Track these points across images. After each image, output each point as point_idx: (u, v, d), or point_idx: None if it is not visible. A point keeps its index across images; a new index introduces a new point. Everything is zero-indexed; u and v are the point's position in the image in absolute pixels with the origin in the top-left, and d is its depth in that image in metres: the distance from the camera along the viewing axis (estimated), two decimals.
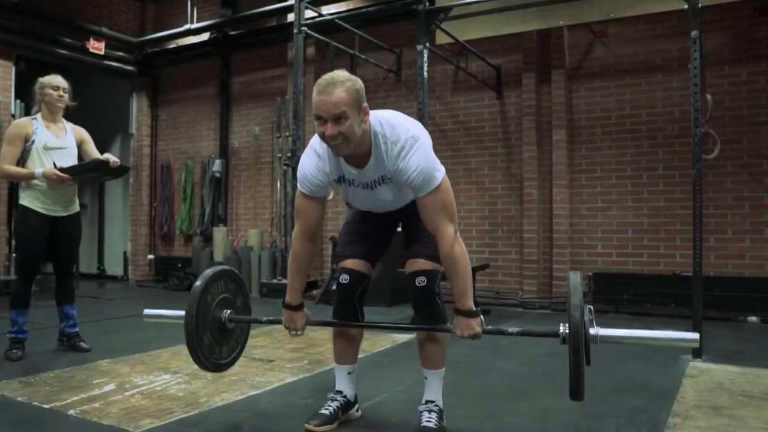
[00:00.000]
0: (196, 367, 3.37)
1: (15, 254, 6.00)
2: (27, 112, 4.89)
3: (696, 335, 2.03)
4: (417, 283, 2.25)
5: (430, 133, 2.35)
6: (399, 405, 2.70)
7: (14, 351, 3.56)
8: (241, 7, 7.87)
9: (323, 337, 4.29)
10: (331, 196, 6.45)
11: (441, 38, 5.69)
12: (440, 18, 5.02)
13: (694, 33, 3.74)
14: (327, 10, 6.51)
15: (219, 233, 7.70)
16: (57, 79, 3.65)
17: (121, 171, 3.76)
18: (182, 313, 2.32)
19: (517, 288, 6.16)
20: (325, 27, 5.85)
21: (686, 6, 3.84)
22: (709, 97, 5.02)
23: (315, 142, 2.20)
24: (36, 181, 3.52)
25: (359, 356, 2.54)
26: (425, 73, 4.70)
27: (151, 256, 8.67)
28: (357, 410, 2.52)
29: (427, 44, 4.78)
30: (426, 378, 2.35)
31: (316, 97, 2.00)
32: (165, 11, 8.80)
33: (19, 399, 2.76)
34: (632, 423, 2.47)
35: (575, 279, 2.02)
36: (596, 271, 5.79)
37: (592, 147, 5.98)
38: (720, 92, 5.33)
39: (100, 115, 8.32)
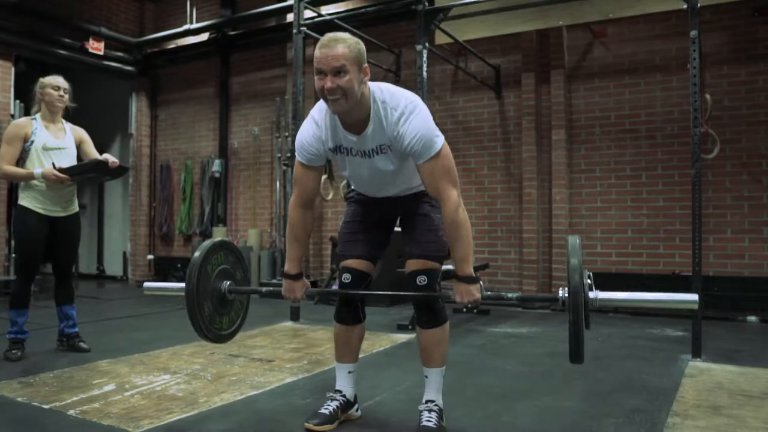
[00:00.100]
0: (195, 367, 3.39)
1: (14, 254, 6.00)
2: (26, 112, 4.89)
3: (695, 296, 2.01)
4: (418, 282, 2.26)
5: None
6: (399, 405, 2.70)
7: (14, 351, 3.56)
8: (241, 7, 7.87)
9: (323, 338, 4.29)
10: (330, 197, 6.48)
11: (440, 38, 5.70)
12: (439, 18, 5.03)
13: (693, 33, 3.75)
14: (326, 10, 6.51)
15: (218, 233, 7.70)
16: (58, 80, 3.66)
17: (120, 171, 3.76)
18: (182, 285, 2.32)
19: (517, 288, 6.16)
20: (325, 27, 5.82)
21: (685, 6, 3.84)
22: (708, 96, 5.03)
23: (314, 111, 2.21)
24: (35, 182, 3.52)
25: (359, 356, 2.54)
26: (424, 73, 4.70)
27: (150, 257, 8.67)
28: (357, 410, 2.52)
29: (427, 44, 4.78)
30: (426, 377, 2.35)
31: (318, 52, 2.01)
32: (164, 11, 8.80)
33: (19, 399, 2.76)
34: (631, 423, 2.47)
35: (574, 241, 2.00)
36: (596, 270, 5.68)
37: (591, 147, 5.99)
38: (719, 92, 5.34)
39: (100, 115, 8.33)
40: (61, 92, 3.65)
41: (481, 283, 2.17)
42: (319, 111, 2.18)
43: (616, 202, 5.85)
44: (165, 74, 8.75)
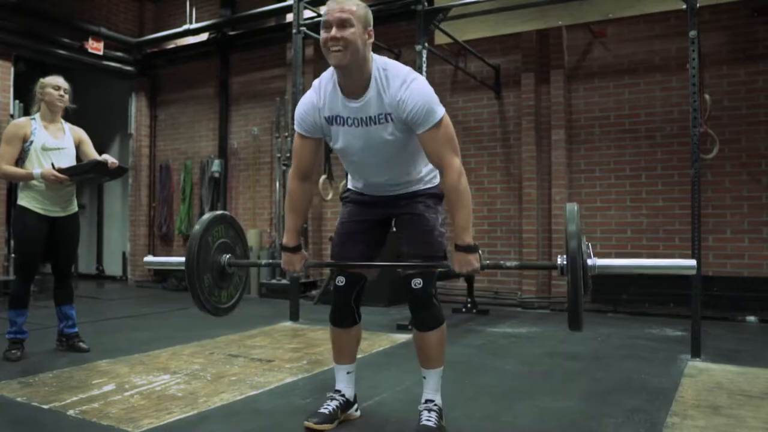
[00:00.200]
0: (195, 367, 3.39)
1: (14, 254, 6.00)
2: (26, 112, 4.89)
3: (693, 262, 2.01)
4: (413, 286, 2.23)
5: None
6: (398, 405, 2.70)
7: (13, 351, 3.56)
8: (240, 7, 7.86)
9: (322, 338, 4.29)
10: (330, 197, 6.48)
11: (440, 38, 5.69)
12: (439, 18, 5.03)
13: (693, 33, 3.75)
14: (326, 10, 6.50)
15: None
16: (58, 80, 3.67)
17: (119, 172, 3.76)
18: (182, 259, 2.32)
19: (516, 288, 6.16)
20: None
21: (684, 6, 3.84)
22: (707, 96, 5.03)
23: (317, 80, 2.22)
24: (34, 182, 3.52)
25: (358, 356, 2.54)
26: (424, 73, 4.69)
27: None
28: (356, 410, 2.52)
29: (426, 44, 4.78)
30: (424, 377, 2.34)
31: (326, 7, 2.06)
32: (164, 11, 8.80)
33: (18, 399, 2.76)
34: (631, 423, 2.47)
35: (572, 208, 1.99)
36: None
37: (590, 147, 5.99)
38: (718, 92, 5.34)
39: (99, 115, 8.32)
40: (62, 92, 3.65)
41: (480, 252, 2.15)
42: (320, 80, 2.19)
43: (615, 202, 5.85)
44: (164, 74, 8.75)
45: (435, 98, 2.10)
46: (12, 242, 6.45)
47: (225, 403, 2.73)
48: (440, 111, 2.09)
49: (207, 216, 2.44)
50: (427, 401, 2.32)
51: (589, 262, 1.96)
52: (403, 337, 4.31)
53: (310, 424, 2.32)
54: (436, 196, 2.34)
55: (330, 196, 6.39)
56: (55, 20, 7.41)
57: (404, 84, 2.06)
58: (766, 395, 2.85)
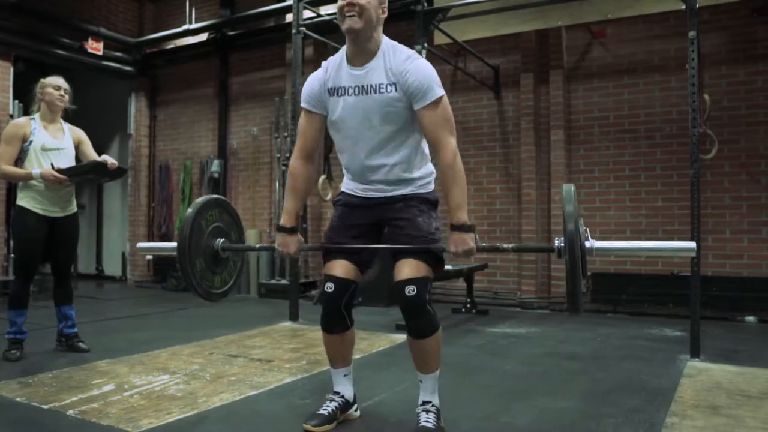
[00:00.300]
0: (194, 367, 3.40)
1: (13, 255, 6.00)
2: (25, 112, 4.90)
3: (693, 244, 1.98)
4: (407, 293, 2.16)
5: None
6: (398, 405, 2.70)
7: (13, 351, 3.56)
8: (240, 7, 7.86)
9: (322, 338, 4.29)
10: (329, 197, 6.48)
11: (439, 39, 5.70)
12: (438, 18, 5.03)
13: (692, 33, 3.75)
14: (325, 10, 6.49)
15: None
16: (59, 80, 3.69)
17: (119, 173, 3.76)
18: (175, 244, 2.31)
19: (516, 288, 6.16)
20: (324, 27, 5.86)
21: (684, 6, 3.84)
22: (706, 97, 5.04)
23: (326, 61, 2.31)
24: (33, 182, 3.52)
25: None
26: None
27: (149, 257, 8.66)
28: (356, 410, 2.52)
29: (425, 45, 4.78)
30: (421, 381, 2.33)
31: None
32: (163, 11, 8.80)
33: (18, 399, 2.76)
34: (630, 423, 2.48)
35: (569, 189, 1.97)
36: (594, 270, 5.79)
37: (590, 147, 5.99)
38: (718, 92, 5.34)
39: (99, 115, 8.31)
40: (62, 92, 3.66)
41: (476, 236, 2.14)
42: (329, 59, 2.29)
43: (614, 203, 5.85)
44: (164, 74, 8.75)
45: (437, 79, 2.16)
46: (11, 242, 6.45)
47: (224, 403, 2.73)
48: (441, 91, 2.14)
49: (200, 199, 2.41)
50: (424, 402, 2.32)
51: (587, 244, 1.93)
52: (403, 337, 4.29)
53: (309, 426, 2.32)
54: (430, 201, 2.31)
55: (329, 197, 6.38)
56: (55, 20, 7.40)
57: (410, 58, 2.15)
58: (764, 395, 2.85)
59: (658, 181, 5.66)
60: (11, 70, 7.06)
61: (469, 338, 4.43)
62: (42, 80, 3.68)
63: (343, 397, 2.44)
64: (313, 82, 2.28)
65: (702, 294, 3.76)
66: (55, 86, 3.64)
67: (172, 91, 8.70)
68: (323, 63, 2.30)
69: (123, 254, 8.95)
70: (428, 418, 2.26)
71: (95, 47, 7.70)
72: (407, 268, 2.18)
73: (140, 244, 2.76)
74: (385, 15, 2.20)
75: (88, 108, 5.34)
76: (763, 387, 2.99)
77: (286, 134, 7.07)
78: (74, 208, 3.76)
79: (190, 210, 2.34)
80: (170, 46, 8.49)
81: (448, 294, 6.26)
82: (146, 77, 8.70)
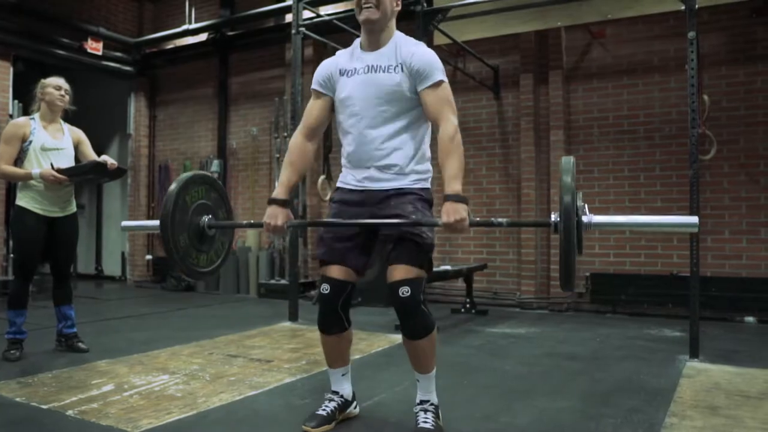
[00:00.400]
0: (194, 367, 3.40)
1: (12, 255, 6.00)
2: (25, 112, 4.90)
3: (695, 219, 1.92)
4: (401, 294, 2.16)
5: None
6: (397, 405, 2.70)
7: (12, 351, 3.56)
8: (239, 7, 7.86)
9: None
10: (328, 197, 6.48)
11: (439, 39, 5.69)
12: (438, 19, 5.03)
13: (691, 34, 3.76)
14: (325, 10, 6.51)
15: None
16: (60, 81, 3.69)
17: (118, 173, 3.76)
18: (158, 222, 2.29)
19: (515, 288, 6.16)
20: (323, 27, 5.86)
21: (683, 7, 3.85)
22: (706, 97, 5.05)
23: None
24: (33, 182, 3.52)
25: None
26: None
27: (149, 257, 8.67)
28: (355, 407, 2.52)
29: (425, 45, 4.78)
30: (418, 380, 2.33)
31: None
32: (163, 11, 8.80)
33: (18, 399, 2.76)
34: (629, 423, 2.48)
35: (567, 161, 1.94)
36: (594, 271, 5.80)
37: (589, 148, 5.99)
38: (717, 93, 5.35)
39: (98, 115, 8.31)
40: (62, 92, 3.67)
41: (470, 211, 2.12)
42: (346, 48, 2.40)
43: (614, 203, 5.85)
44: (164, 74, 8.75)
45: (441, 66, 2.25)
46: (11, 242, 6.45)
47: (224, 404, 2.73)
48: (443, 76, 2.22)
49: (185, 175, 2.38)
50: (422, 402, 2.32)
51: (584, 218, 1.88)
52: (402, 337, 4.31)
53: (308, 428, 2.32)
54: (425, 200, 2.30)
55: (329, 196, 6.39)
56: (54, 20, 7.40)
57: (417, 44, 2.29)
58: (763, 395, 2.85)
59: (658, 181, 5.66)
60: (11, 70, 7.06)
61: (469, 338, 4.44)
62: (43, 80, 3.69)
63: (341, 396, 2.44)
64: (325, 64, 2.39)
65: (701, 294, 3.76)
66: (56, 86, 3.64)
67: (171, 91, 8.70)
68: (337, 52, 2.42)
69: (122, 254, 8.95)
70: (426, 417, 2.26)
71: (95, 47, 7.71)
72: (400, 271, 2.18)
73: (124, 223, 2.71)
74: (399, 8, 2.30)
75: (88, 108, 5.34)
76: (762, 387, 3.00)
77: (285, 134, 7.08)
78: (74, 208, 3.76)
79: (173, 186, 2.30)
80: (170, 46, 8.48)
81: (448, 294, 6.26)
82: (146, 77, 8.70)
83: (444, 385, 2.41)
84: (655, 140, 5.68)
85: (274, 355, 3.78)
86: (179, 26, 8.05)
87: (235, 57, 8.09)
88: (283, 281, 6.76)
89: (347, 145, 2.34)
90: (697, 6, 3.80)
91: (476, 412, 2.62)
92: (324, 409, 2.38)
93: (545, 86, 6.11)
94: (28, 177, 3.50)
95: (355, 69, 2.29)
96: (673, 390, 2.95)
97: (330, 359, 2.45)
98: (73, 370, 3.31)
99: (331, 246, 2.31)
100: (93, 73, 8.11)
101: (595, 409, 2.68)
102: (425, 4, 4.93)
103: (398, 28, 2.42)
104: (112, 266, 9.26)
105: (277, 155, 7.41)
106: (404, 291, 2.16)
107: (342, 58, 2.36)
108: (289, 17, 6.61)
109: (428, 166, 2.36)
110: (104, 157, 3.64)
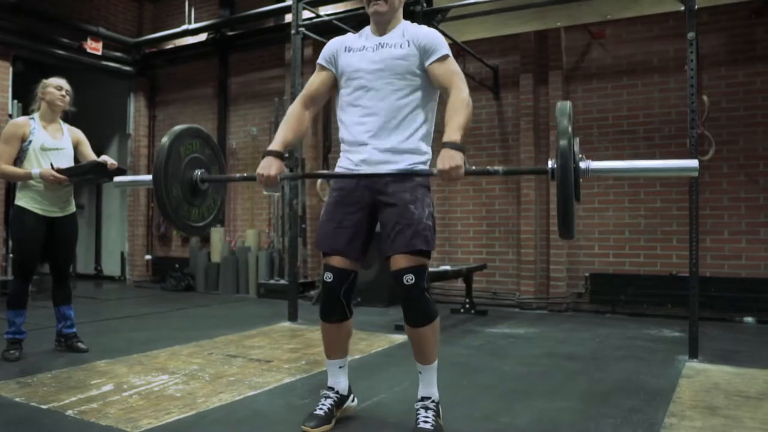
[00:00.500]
0: (194, 367, 3.40)
1: (12, 255, 6.00)
2: (24, 112, 4.89)
3: (695, 162, 1.85)
4: (405, 281, 2.20)
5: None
6: (397, 405, 2.71)
7: (12, 351, 3.56)
8: (239, 7, 7.87)
9: (321, 338, 4.29)
10: (327, 197, 6.48)
11: None
12: (438, 19, 5.03)
13: (691, 35, 3.76)
14: (325, 10, 6.51)
15: (216, 234, 7.69)
16: (61, 81, 3.70)
17: (118, 173, 3.75)
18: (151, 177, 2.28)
19: (515, 289, 6.16)
20: (323, 28, 5.85)
21: (683, 8, 3.85)
22: (705, 98, 5.05)
23: None
24: (33, 182, 3.52)
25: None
26: None
27: (148, 257, 8.66)
28: (353, 400, 2.52)
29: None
30: (420, 372, 2.34)
31: None
32: (163, 11, 8.80)
33: (17, 399, 2.76)
34: (629, 423, 2.48)
35: (564, 105, 1.93)
36: (593, 271, 5.80)
37: (589, 148, 5.98)
38: (717, 93, 5.35)
39: (98, 115, 8.31)
40: (63, 92, 3.67)
41: (466, 160, 2.11)
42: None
43: (613, 203, 5.86)
44: (163, 74, 8.75)
45: (447, 45, 2.30)
46: (10, 242, 6.45)
47: (223, 404, 2.73)
48: (449, 51, 2.28)
49: (178, 127, 2.38)
50: (423, 398, 2.32)
51: (582, 164, 1.85)
52: (401, 337, 4.31)
53: (307, 428, 2.32)
54: (425, 186, 2.33)
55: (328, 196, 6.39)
56: (54, 20, 7.40)
57: (423, 27, 2.35)
58: (763, 396, 2.86)
59: (657, 182, 5.66)
60: (10, 70, 7.06)
61: (469, 339, 4.44)
62: (44, 80, 3.69)
63: (337, 392, 2.44)
64: (333, 42, 2.45)
65: (700, 295, 3.77)
66: (57, 86, 3.65)
67: (171, 91, 8.70)
68: (347, 34, 2.49)
69: (122, 254, 8.94)
70: (427, 416, 2.26)
71: (94, 47, 7.71)
72: (403, 259, 2.22)
73: (117, 178, 2.68)
74: None
75: (88, 108, 5.34)
76: (762, 388, 3.00)
77: None
78: (73, 208, 3.77)
79: (166, 137, 2.30)
80: (169, 46, 8.48)
81: (447, 294, 6.27)
82: (145, 77, 8.70)
83: (444, 385, 2.41)
84: (655, 141, 5.69)
85: (274, 355, 3.78)
86: (179, 26, 8.05)
87: (235, 57, 8.09)
88: (282, 281, 6.76)
89: (348, 124, 2.35)
90: (696, 6, 3.81)
91: (476, 412, 2.62)
92: (321, 408, 2.38)
93: (545, 86, 6.11)
94: (28, 177, 3.50)
95: (364, 46, 2.35)
96: (673, 390, 2.95)
97: (329, 349, 2.46)
98: (73, 370, 3.31)
99: (333, 235, 2.33)
100: (92, 73, 8.11)
101: (594, 409, 2.68)
102: (425, 4, 4.93)
103: None
104: (111, 266, 9.26)
105: None
106: (408, 278, 2.21)
107: (350, 37, 2.45)
108: (288, 17, 6.61)
109: (428, 149, 2.37)
110: (104, 157, 3.64)
